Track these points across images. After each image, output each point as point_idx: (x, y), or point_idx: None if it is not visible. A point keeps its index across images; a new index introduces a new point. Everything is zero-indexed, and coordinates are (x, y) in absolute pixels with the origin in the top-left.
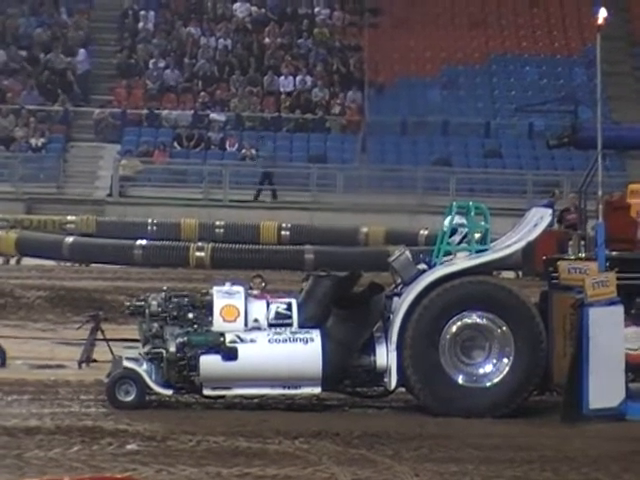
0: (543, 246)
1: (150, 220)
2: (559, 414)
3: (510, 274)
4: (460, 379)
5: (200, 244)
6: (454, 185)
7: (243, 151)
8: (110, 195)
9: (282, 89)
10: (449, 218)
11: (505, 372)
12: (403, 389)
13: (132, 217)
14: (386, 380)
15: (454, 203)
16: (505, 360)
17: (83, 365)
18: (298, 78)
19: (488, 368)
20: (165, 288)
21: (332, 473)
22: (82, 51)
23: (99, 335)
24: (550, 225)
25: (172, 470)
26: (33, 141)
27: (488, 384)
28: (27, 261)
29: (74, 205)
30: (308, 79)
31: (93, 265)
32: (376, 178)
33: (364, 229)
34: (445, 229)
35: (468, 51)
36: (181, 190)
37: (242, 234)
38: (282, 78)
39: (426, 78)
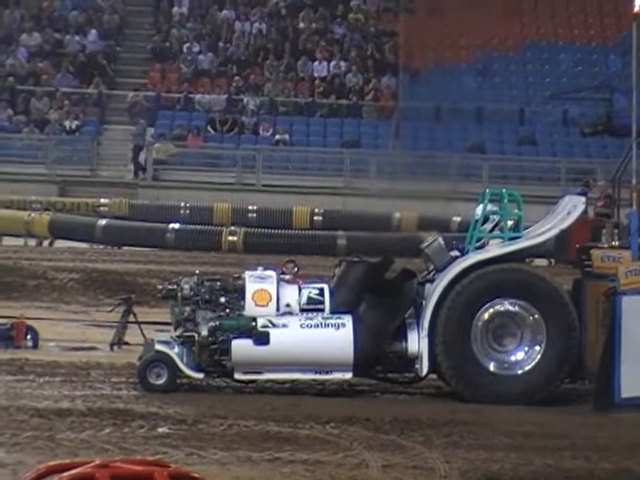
0: (577, 234)
1: (183, 204)
2: (591, 402)
3: (543, 262)
4: (492, 366)
5: (233, 228)
6: (487, 172)
7: (277, 136)
8: (143, 178)
9: (316, 74)
10: (481, 206)
11: (537, 360)
12: (434, 375)
13: (165, 200)
14: (417, 366)
15: (487, 190)
16: (537, 348)
17: (115, 347)
18: (332, 63)
19: (520, 356)
20: (197, 272)
21: (363, 459)
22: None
23: (131, 318)
24: (584, 213)
25: (203, 454)
26: (67, 124)
27: (520, 372)
28: (60, 243)
29: (107, 188)
30: (342, 64)
31: (125, 248)
32: (409, 164)
33: (397, 215)
34: (477, 216)
35: (503, 38)
36: (214, 174)
37: (275, 219)
38: (316, 63)
39: (461, 65)
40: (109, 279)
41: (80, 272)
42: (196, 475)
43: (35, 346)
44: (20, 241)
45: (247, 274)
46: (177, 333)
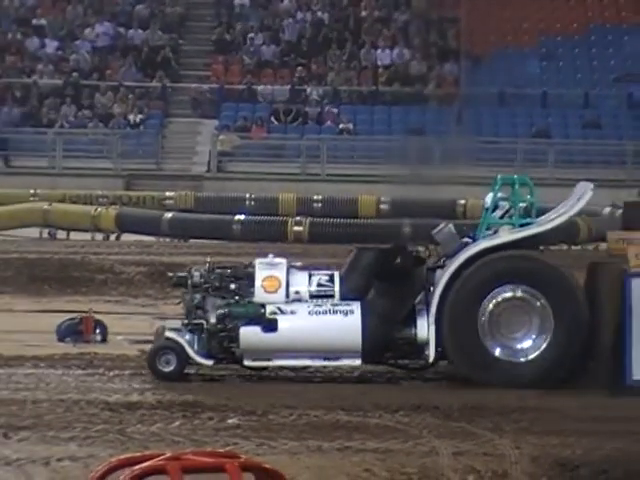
0: None
1: (248, 195)
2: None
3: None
4: (499, 352)
5: (298, 218)
6: (553, 157)
7: (341, 125)
8: (208, 170)
9: (379, 62)
10: (492, 194)
11: (544, 347)
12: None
13: (230, 192)
14: (427, 352)
15: (499, 177)
16: (544, 335)
17: None
18: (395, 51)
19: (527, 342)
20: (209, 259)
21: (433, 446)
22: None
23: None
24: None
25: (273, 444)
26: (131, 117)
27: (527, 358)
28: (126, 237)
29: (172, 181)
30: (405, 52)
31: (192, 240)
32: (474, 150)
33: (462, 201)
34: (487, 204)
35: (567, 21)
36: (279, 165)
37: (340, 208)
38: (379, 51)
39: (524, 49)
40: (176, 272)
41: (147, 265)
42: (267, 465)
43: (104, 340)
44: (87, 236)
45: (257, 261)
46: (187, 320)
